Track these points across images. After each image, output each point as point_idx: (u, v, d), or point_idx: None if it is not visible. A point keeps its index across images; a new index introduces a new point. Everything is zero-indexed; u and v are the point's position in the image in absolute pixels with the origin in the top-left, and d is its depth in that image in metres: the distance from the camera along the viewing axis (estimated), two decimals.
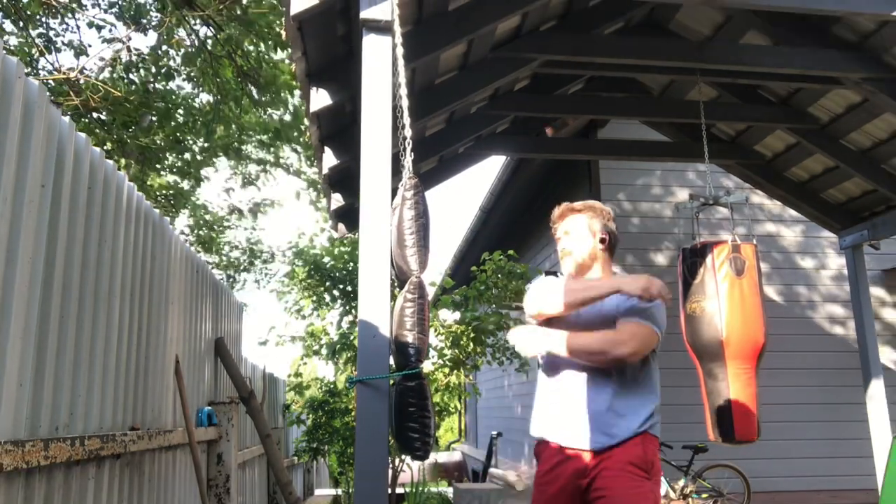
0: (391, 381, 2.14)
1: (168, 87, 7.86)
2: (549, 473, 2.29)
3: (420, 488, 8.84)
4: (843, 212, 5.82)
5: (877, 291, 6.89)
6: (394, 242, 2.15)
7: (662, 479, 5.57)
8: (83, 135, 2.60)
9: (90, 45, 11.35)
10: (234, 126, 8.22)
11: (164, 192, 8.88)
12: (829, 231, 6.19)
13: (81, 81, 6.63)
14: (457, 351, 6.56)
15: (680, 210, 4.67)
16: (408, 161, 2.20)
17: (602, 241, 2.47)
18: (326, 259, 7.07)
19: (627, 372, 2.31)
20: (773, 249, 6.96)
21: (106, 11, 6.85)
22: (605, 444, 2.24)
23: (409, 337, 2.06)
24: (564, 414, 2.31)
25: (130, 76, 7.50)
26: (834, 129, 5.08)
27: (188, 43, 7.31)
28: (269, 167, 9.58)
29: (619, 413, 2.26)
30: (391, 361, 2.15)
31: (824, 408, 6.52)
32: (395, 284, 2.27)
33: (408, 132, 2.22)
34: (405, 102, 2.24)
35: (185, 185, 9.07)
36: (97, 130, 6.77)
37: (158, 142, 7.61)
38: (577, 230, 2.49)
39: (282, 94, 7.79)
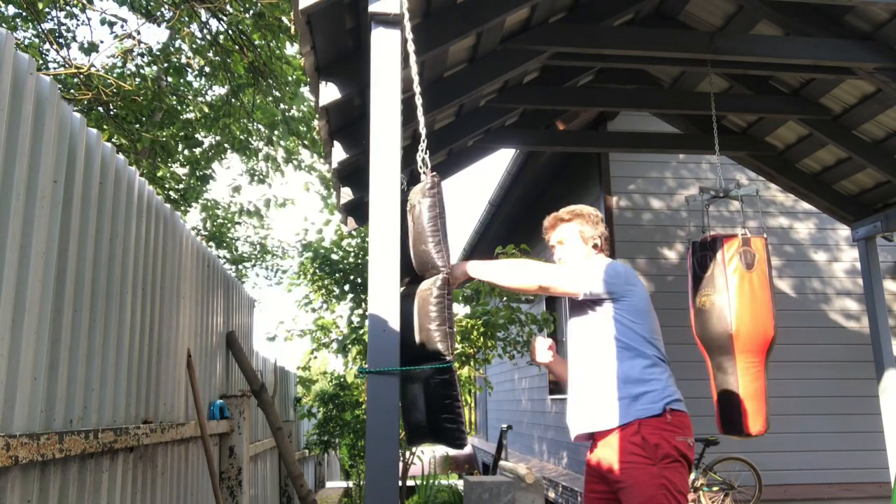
0: (413, 374, 2.15)
1: (180, 82, 7.89)
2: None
3: (431, 481, 8.89)
4: (855, 203, 5.77)
5: (890, 284, 6.83)
6: (414, 239, 2.16)
7: None
8: (94, 130, 2.61)
9: (101, 42, 11.38)
10: (244, 121, 8.23)
11: (173, 181, 8.92)
12: (841, 223, 6.14)
13: (93, 78, 6.66)
14: (466, 345, 6.58)
15: (690, 203, 4.63)
16: (425, 156, 2.20)
17: (595, 246, 2.56)
18: (335, 252, 7.10)
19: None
20: (785, 243, 6.92)
21: (120, 6, 6.87)
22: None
23: (439, 332, 2.07)
24: None
25: (141, 70, 7.53)
26: (846, 119, 5.03)
27: (199, 36, 7.33)
28: (280, 161, 9.59)
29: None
30: (400, 355, 2.16)
31: (837, 400, 6.49)
32: (406, 280, 2.27)
33: (422, 128, 2.21)
34: (419, 100, 2.24)
35: (194, 179, 9.09)
36: (105, 126, 6.80)
37: (164, 138, 7.64)
38: (569, 239, 2.58)
39: (290, 89, 7.80)
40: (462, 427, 2.08)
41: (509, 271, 2.39)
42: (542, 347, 2.59)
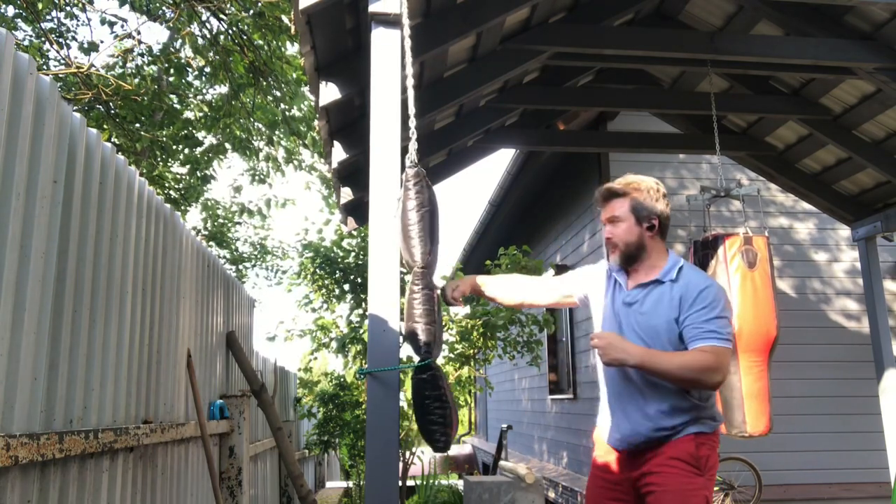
0: (403, 374, 2.14)
1: (181, 82, 7.89)
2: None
3: (431, 481, 8.89)
4: (855, 203, 5.78)
5: (890, 284, 6.83)
6: (399, 235, 2.14)
7: None
8: (94, 130, 2.61)
9: (102, 42, 11.38)
10: (244, 121, 8.24)
11: (172, 181, 8.91)
12: (841, 223, 6.14)
13: (93, 78, 6.66)
14: (466, 345, 6.57)
15: (691, 202, 4.63)
16: (412, 151, 2.19)
17: (650, 227, 2.28)
18: (335, 252, 7.10)
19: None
20: (785, 243, 6.92)
21: (120, 6, 6.87)
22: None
23: (419, 328, 2.05)
24: None
25: (141, 71, 7.53)
26: (847, 119, 5.03)
27: (199, 34, 7.33)
28: (280, 161, 9.59)
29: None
30: (402, 355, 2.15)
31: (837, 400, 6.49)
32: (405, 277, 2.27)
33: (412, 122, 2.21)
34: (411, 94, 2.24)
35: (195, 178, 9.09)
36: (105, 126, 6.80)
37: (163, 138, 7.64)
38: (621, 216, 2.29)
39: (290, 89, 7.80)
40: (446, 430, 2.05)
41: (698, 377, 2.14)
42: (450, 289, 2.50)
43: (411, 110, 2.21)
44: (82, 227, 2.46)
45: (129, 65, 7.76)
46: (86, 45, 7.02)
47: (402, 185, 2.13)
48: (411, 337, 2.06)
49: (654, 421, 2.22)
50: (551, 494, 6.91)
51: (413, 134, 2.19)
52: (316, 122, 6.90)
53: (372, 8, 2.32)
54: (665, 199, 2.32)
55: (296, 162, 9.64)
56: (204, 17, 7.17)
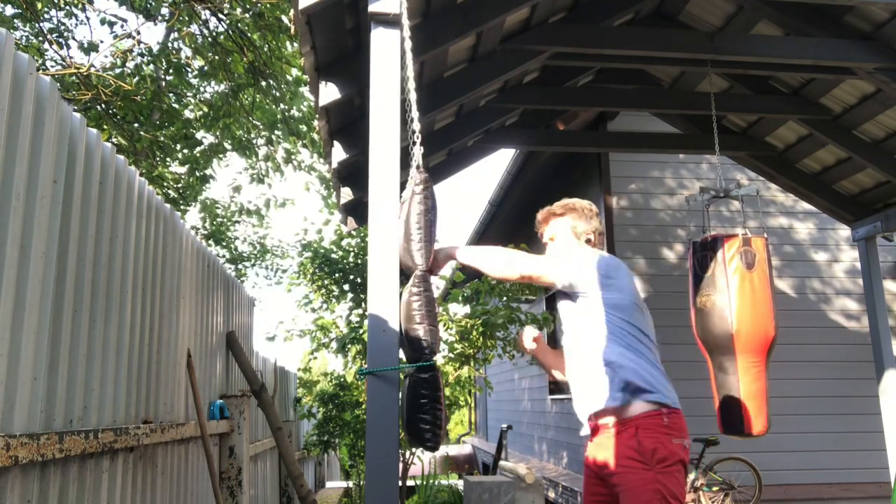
0: (402, 374, 2.14)
1: (181, 82, 7.89)
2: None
3: (431, 481, 8.89)
4: (855, 203, 5.78)
5: (890, 284, 6.83)
6: (400, 237, 2.15)
7: None
8: (94, 130, 2.61)
9: (101, 41, 11.38)
10: (243, 119, 8.23)
11: (173, 182, 8.92)
12: (841, 223, 6.14)
13: (93, 78, 6.66)
14: (466, 345, 6.57)
15: (690, 203, 4.63)
16: (417, 155, 2.20)
17: (588, 241, 2.51)
18: (335, 252, 7.10)
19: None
20: (785, 243, 6.92)
21: (120, 6, 6.87)
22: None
23: (420, 330, 2.05)
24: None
25: (140, 71, 7.53)
26: (846, 119, 5.03)
27: (198, 33, 7.33)
28: (280, 161, 9.58)
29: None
30: (401, 355, 2.16)
31: (837, 401, 6.49)
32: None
33: (416, 126, 2.21)
34: (413, 96, 2.23)
35: (194, 178, 9.08)
36: (104, 126, 6.80)
37: (162, 138, 7.64)
38: (560, 235, 2.54)
39: (290, 89, 7.80)
40: (437, 430, 2.05)
41: (494, 260, 2.39)
42: (528, 337, 2.56)
43: (415, 113, 2.21)
44: (82, 227, 2.46)
45: (128, 64, 7.76)
46: (85, 45, 7.02)
47: (409, 189, 2.15)
48: (413, 338, 2.06)
49: (587, 393, 2.32)
50: (551, 494, 6.91)
51: (418, 138, 2.19)
52: (316, 122, 6.90)
53: (372, 8, 2.32)
54: (598, 216, 2.58)
55: (295, 162, 9.63)
56: (204, 18, 7.16)
